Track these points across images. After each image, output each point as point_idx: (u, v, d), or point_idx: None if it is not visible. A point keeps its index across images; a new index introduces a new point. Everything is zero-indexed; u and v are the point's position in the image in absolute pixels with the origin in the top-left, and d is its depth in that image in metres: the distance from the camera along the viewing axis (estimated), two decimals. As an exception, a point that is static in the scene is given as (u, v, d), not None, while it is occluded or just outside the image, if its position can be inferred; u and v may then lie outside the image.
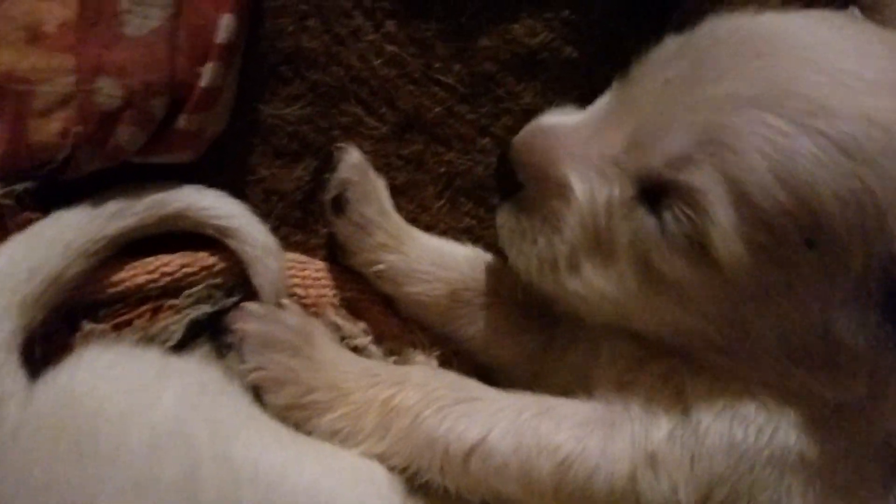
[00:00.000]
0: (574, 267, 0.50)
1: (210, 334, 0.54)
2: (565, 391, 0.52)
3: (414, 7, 0.58)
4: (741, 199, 0.44)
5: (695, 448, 0.48)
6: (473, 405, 0.50)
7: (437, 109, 0.58)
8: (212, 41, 0.53)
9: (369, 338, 0.57)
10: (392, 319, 0.57)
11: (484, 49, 0.59)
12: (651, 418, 0.48)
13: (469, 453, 0.49)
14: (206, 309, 0.54)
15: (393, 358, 0.56)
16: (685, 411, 0.48)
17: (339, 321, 0.56)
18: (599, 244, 0.49)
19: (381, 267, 0.56)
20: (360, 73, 0.58)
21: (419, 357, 0.55)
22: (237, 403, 0.49)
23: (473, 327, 0.57)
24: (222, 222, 0.55)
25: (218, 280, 0.55)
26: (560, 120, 0.51)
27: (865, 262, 0.44)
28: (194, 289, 0.54)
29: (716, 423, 0.48)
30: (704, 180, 0.45)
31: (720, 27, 0.49)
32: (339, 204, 0.56)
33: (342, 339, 0.56)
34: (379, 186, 0.57)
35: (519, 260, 0.52)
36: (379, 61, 0.58)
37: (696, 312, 0.47)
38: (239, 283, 0.55)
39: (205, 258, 0.55)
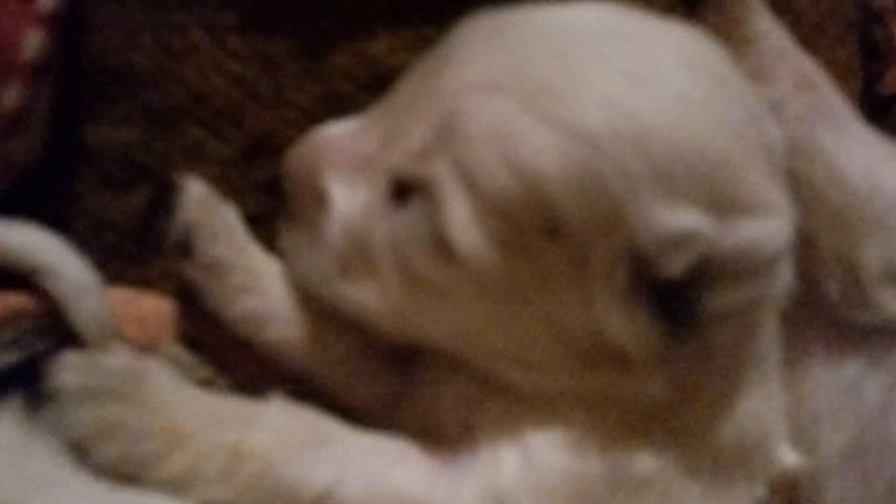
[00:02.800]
0: (345, 277, 0.48)
1: (20, 384, 0.48)
2: (421, 430, 0.49)
3: (259, 22, 0.54)
4: (474, 188, 0.43)
5: (540, 486, 0.45)
6: (328, 447, 0.47)
7: (289, 131, 0.54)
8: (15, 59, 0.48)
9: (213, 372, 0.52)
10: (243, 352, 0.52)
11: (340, 68, 0.55)
12: (495, 460, 0.46)
13: (319, 499, 0.45)
14: (12, 357, 0.48)
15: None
16: (525, 448, 0.46)
17: (178, 353, 0.52)
18: (363, 251, 0.47)
19: (237, 312, 0.52)
20: (200, 92, 0.54)
21: (276, 395, 0.50)
22: (35, 468, 0.43)
23: (332, 370, 0.53)
24: (31, 259, 0.49)
25: (30, 323, 0.49)
26: (330, 128, 0.50)
27: (611, 256, 0.42)
28: (1, 334, 0.49)
29: (553, 456, 0.45)
30: (438, 171, 0.43)
31: (475, 22, 0.47)
32: (185, 247, 0.51)
33: (186, 374, 0.51)
34: (229, 220, 0.53)
35: (297, 274, 0.50)
36: (222, 79, 0.54)
37: (466, 315, 0.46)
38: (53, 324, 0.49)
39: (13, 298, 0.50)
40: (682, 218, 0.42)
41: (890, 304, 0.54)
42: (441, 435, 0.49)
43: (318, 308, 0.52)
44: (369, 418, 0.51)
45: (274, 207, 0.53)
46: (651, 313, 0.43)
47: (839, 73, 0.70)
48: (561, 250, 0.43)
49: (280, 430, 0.47)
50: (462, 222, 0.43)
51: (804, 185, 0.53)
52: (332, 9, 0.55)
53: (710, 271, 0.43)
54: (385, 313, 0.48)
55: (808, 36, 0.66)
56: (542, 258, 0.43)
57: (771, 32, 0.57)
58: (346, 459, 0.46)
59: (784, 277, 0.48)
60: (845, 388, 0.56)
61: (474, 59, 0.45)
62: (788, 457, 0.52)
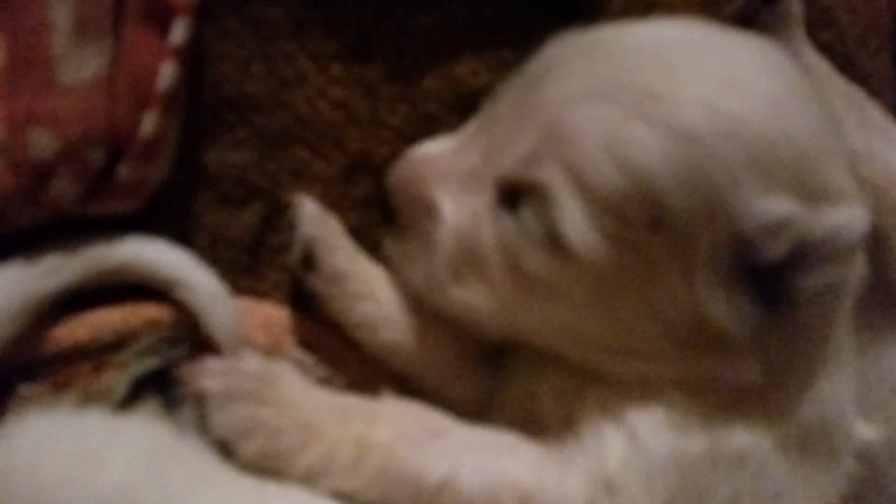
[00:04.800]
0: (456, 281, 0.52)
1: (158, 389, 0.51)
2: (521, 423, 0.52)
3: (358, 50, 0.58)
4: (584, 188, 0.46)
5: (647, 467, 0.48)
6: (443, 440, 0.50)
7: (384, 151, 0.57)
8: (152, 89, 0.52)
9: (331, 371, 0.55)
10: (355, 354, 0.56)
11: (428, 90, 0.59)
12: (600, 445, 0.49)
13: (439, 489, 0.48)
14: (152, 363, 0.52)
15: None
16: (628, 430, 0.49)
17: (300, 355, 0.55)
18: (473, 255, 0.51)
19: (355, 317, 0.56)
20: (305, 117, 0.57)
21: (388, 391, 0.53)
22: (190, 464, 0.47)
23: (436, 369, 0.57)
24: (167, 273, 0.53)
25: (164, 333, 0.53)
26: (428, 146, 0.54)
27: (714, 243, 0.46)
28: (139, 343, 0.52)
29: (657, 436, 0.48)
30: (549, 174, 0.47)
31: (565, 41, 0.51)
32: (309, 259, 0.55)
33: (307, 375, 0.54)
34: (341, 233, 0.57)
35: (410, 282, 0.54)
36: (325, 104, 0.57)
37: (574, 309, 0.49)
38: (185, 334, 0.53)
39: (149, 310, 0.53)
40: (778, 205, 0.46)
41: None
42: (542, 427, 0.52)
43: (424, 312, 0.55)
44: (468, 415, 0.54)
45: (372, 221, 0.57)
46: (751, 296, 0.47)
47: (879, 84, 0.74)
48: (667, 241, 0.47)
49: (399, 424, 0.50)
50: (575, 220, 0.47)
51: (868, 188, 0.58)
52: (421, 35, 0.59)
53: (805, 254, 0.47)
54: (494, 313, 0.51)
55: (852, 50, 0.71)
56: (649, 250, 0.47)
57: (818, 62, 0.63)
58: (460, 451, 0.50)
59: (861, 265, 0.52)
60: None
61: (573, 72, 0.49)
62: (866, 432, 0.55)
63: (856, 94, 0.63)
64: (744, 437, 0.49)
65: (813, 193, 0.47)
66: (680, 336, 0.48)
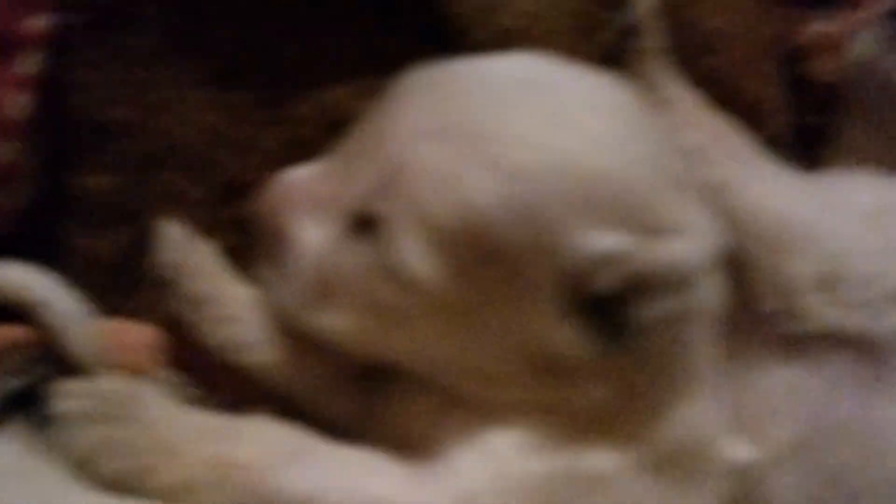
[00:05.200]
0: (314, 305, 0.53)
1: (24, 408, 0.52)
2: (394, 443, 0.53)
3: (226, 76, 0.59)
4: (422, 223, 0.48)
5: (507, 488, 0.49)
6: (308, 460, 0.50)
7: (256, 174, 0.58)
8: (3, 118, 0.53)
9: (202, 391, 0.56)
10: (230, 374, 0.56)
11: (302, 115, 0.61)
12: (464, 467, 0.50)
13: None
14: (18, 383, 0.52)
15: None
16: (490, 452, 0.50)
17: (168, 375, 0.56)
18: (331, 282, 0.52)
19: (219, 339, 0.56)
20: (175, 141, 0.59)
21: (255, 410, 0.53)
22: (48, 486, 0.47)
23: (309, 389, 0.57)
24: (26, 294, 0.54)
25: (29, 352, 0.53)
26: (291, 173, 0.55)
27: (549, 277, 0.48)
28: (4, 363, 0.53)
29: (516, 457, 0.49)
30: (390, 209, 0.49)
31: (416, 74, 0.53)
32: (169, 284, 0.56)
33: (177, 396, 0.55)
34: (207, 256, 0.58)
35: (271, 305, 0.55)
36: (194, 129, 0.59)
37: (427, 336, 0.50)
38: (50, 354, 0.53)
39: (15, 331, 0.54)
40: (607, 239, 0.47)
41: (822, 311, 0.59)
42: (412, 447, 0.52)
43: (293, 333, 0.56)
44: (345, 434, 0.54)
45: (246, 242, 0.58)
46: (589, 326, 0.48)
47: (770, 109, 0.75)
48: (504, 275, 0.48)
49: (265, 443, 0.50)
50: (414, 253, 0.48)
51: (733, 216, 0.59)
52: (294, 62, 0.60)
53: (637, 286, 0.48)
54: (352, 338, 0.52)
55: (738, 76, 0.72)
56: (488, 283, 0.48)
57: (686, 95, 0.64)
58: (327, 470, 0.50)
59: (711, 292, 0.53)
60: (789, 389, 0.60)
61: (417, 108, 0.51)
62: (739, 452, 0.56)
63: (725, 125, 0.64)
64: (601, 459, 0.50)
65: (646, 226, 0.48)
66: (529, 363, 0.49)
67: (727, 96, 0.72)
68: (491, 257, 0.48)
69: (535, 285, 0.48)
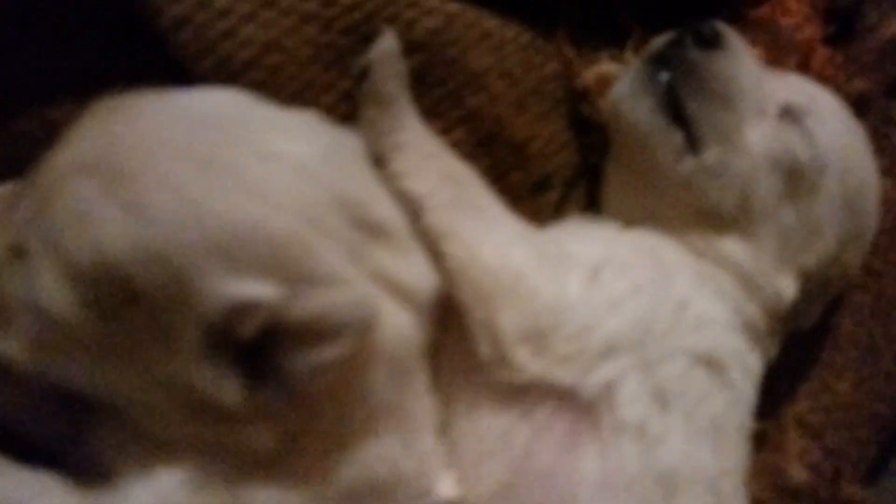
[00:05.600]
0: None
1: None
2: (91, 468, 0.53)
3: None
4: (61, 259, 0.48)
5: None
6: None
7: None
8: None
9: None
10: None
11: (22, 132, 0.59)
12: (128, 496, 0.50)
13: None
14: None
15: None
16: (155, 486, 0.50)
17: None
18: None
19: None
20: None
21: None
22: None
23: (7, 411, 0.56)
24: None
25: None
26: None
27: (190, 323, 0.48)
28: None
29: (179, 493, 0.50)
30: (33, 240, 0.49)
31: (99, 103, 0.52)
32: None
33: None
34: None
35: None
36: None
37: (82, 369, 0.50)
38: None
39: None
40: (246, 288, 0.47)
41: (525, 362, 0.60)
42: (102, 472, 0.52)
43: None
44: (51, 454, 0.55)
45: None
46: (233, 371, 0.49)
47: (546, 146, 0.76)
48: (144, 317, 0.48)
49: None
50: (51, 288, 0.48)
51: (449, 263, 0.60)
52: (17, 76, 0.59)
53: (283, 334, 0.48)
54: (24, 362, 0.52)
55: (506, 115, 0.73)
56: (129, 322, 0.48)
57: (419, 140, 0.64)
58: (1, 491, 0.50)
59: (395, 338, 0.54)
60: (499, 435, 0.61)
61: (79, 138, 0.51)
62: (444, 490, 0.58)
63: (460, 171, 0.64)
64: (273, 495, 0.51)
65: (294, 277, 0.48)
66: (186, 403, 0.50)
67: (493, 136, 0.72)
68: (128, 299, 0.48)
69: (176, 330, 0.48)
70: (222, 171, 0.49)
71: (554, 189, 0.76)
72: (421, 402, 0.59)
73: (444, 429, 0.63)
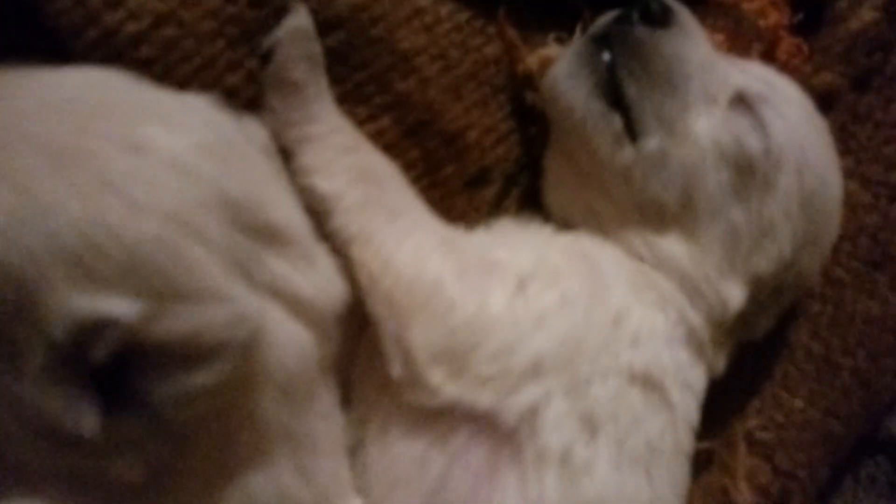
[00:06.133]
0: None
1: None
2: None
3: None
4: None
5: None
6: None
7: None
8: None
9: None
10: None
11: None
12: None
13: None
14: None
15: None
16: None
17: None
18: None
19: None
20: None
21: None
22: None
23: None
24: None
25: None
26: None
27: (36, 342, 0.41)
28: None
29: None
30: None
31: None
32: None
33: None
34: None
35: None
36: None
37: None
38: None
39: None
40: (98, 304, 0.41)
41: (440, 384, 0.54)
42: None
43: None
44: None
45: None
46: (89, 398, 0.42)
47: (484, 136, 0.69)
48: None
49: None
50: None
51: (360, 271, 0.54)
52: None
53: (145, 357, 0.42)
54: None
55: (438, 101, 0.66)
56: None
57: (331, 132, 0.57)
58: None
59: (286, 358, 0.48)
60: (412, 461, 0.56)
61: None
62: None
63: (377, 168, 0.58)
64: None
65: (160, 292, 0.42)
66: (38, 430, 0.44)
67: (423, 124, 0.66)
68: None
69: (21, 347, 0.42)
70: (77, 165, 0.42)
71: (492, 184, 0.70)
72: (323, 422, 0.53)
73: (357, 451, 0.57)
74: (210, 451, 0.47)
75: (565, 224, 0.66)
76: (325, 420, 0.53)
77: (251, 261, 0.46)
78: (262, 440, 0.49)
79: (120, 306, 0.41)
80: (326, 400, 0.54)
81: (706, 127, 0.61)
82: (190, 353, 0.43)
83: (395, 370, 0.55)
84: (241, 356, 0.44)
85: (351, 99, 0.62)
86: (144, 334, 0.42)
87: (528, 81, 0.70)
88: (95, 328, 0.41)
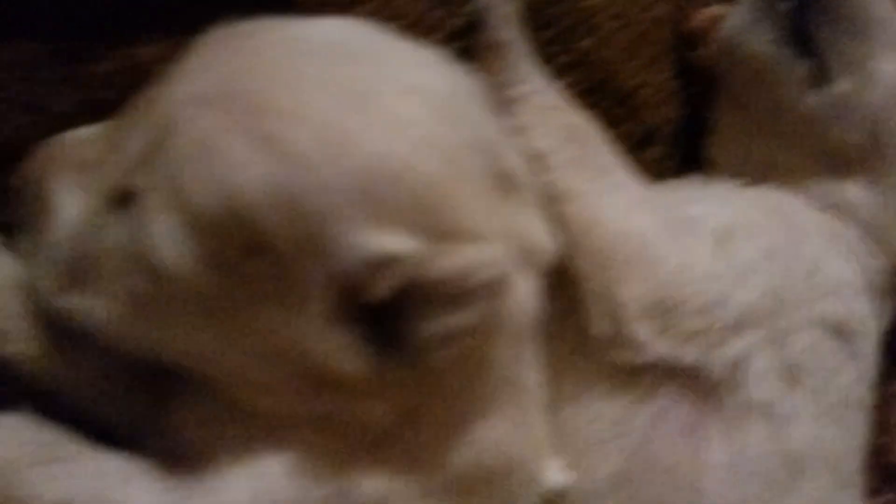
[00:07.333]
0: (73, 286, 0.47)
1: None
2: (170, 450, 0.48)
3: (13, 27, 0.52)
4: (181, 203, 0.42)
5: None
6: (61, 464, 0.46)
7: (43, 138, 0.51)
8: None
9: None
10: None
11: (102, 74, 0.54)
12: (226, 483, 0.46)
13: None
14: None
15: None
16: (256, 472, 0.46)
17: None
18: (89, 259, 0.46)
19: None
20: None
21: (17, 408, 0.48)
22: None
23: (76, 386, 0.52)
24: None
25: None
26: (68, 135, 0.49)
27: (318, 277, 0.42)
28: None
29: (282, 481, 0.45)
30: (148, 182, 0.43)
31: (215, 32, 0.46)
32: None
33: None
34: None
35: (32, 281, 0.49)
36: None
37: (186, 332, 0.45)
38: None
39: None
40: (386, 241, 0.42)
41: (648, 340, 0.55)
42: (189, 457, 0.48)
43: (59, 323, 0.50)
44: (123, 436, 0.50)
45: (14, 214, 0.52)
46: (361, 337, 0.43)
47: (655, 97, 0.70)
48: (267, 270, 0.42)
49: (16, 445, 0.46)
50: (166, 237, 0.42)
51: (567, 228, 0.54)
52: (99, 15, 0.53)
53: (420, 296, 0.42)
54: (113, 326, 0.47)
55: (616, 59, 0.67)
56: (248, 277, 0.43)
57: (539, 92, 0.58)
58: (78, 476, 0.46)
59: (524, 306, 0.48)
60: (614, 421, 0.57)
61: (198, 70, 0.44)
62: (557, 478, 0.53)
63: (582, 128, 0.59)
64: (379, 484, 0.46)
65: (435, 230, 0.42)
66: (299, 371, 0.44)
67: (602, 83, 0.67)
68: (253, 248, 0.42)
69: (303, 286, 0.42)
70: (365, 105, 0.43)
71: (657, 144, 0.71)
72: (535, 379, 0.54)
73: (551, 411, 0.58)
74: (448, 397, 0.48)
75: (737, 181, 0.66)
76: (535, 377, 0.54)
77: (496, 205, 0.46)
78: (492, 389, 0.49)
79: (404, 243, 0.42)
80: (536, 356, 0.55)
81: (894, 69, 0.61)
82: (456, 293, 0.43)
83: (601, 327, 0.56)
84: (497, 298, 0.45)
85: (537, 58, 0.62)
86: (422, 272, 0.42)
87: (693, 40, 0.70)
88: (381, 265, 0.42)
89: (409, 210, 0.42)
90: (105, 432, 0.50)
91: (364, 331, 0.43)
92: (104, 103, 0.53)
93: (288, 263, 0.42)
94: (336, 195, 0.41)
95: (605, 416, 0.57)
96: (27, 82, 0.53)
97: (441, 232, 0.43)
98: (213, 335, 0.45)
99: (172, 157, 0.42)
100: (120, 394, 0.52)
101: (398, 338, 0.44)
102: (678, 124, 0.72)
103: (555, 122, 0.57)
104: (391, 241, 0.42)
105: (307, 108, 0.42)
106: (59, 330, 0.50)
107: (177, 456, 0.48)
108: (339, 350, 0.43)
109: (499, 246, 0.45)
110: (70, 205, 0.47)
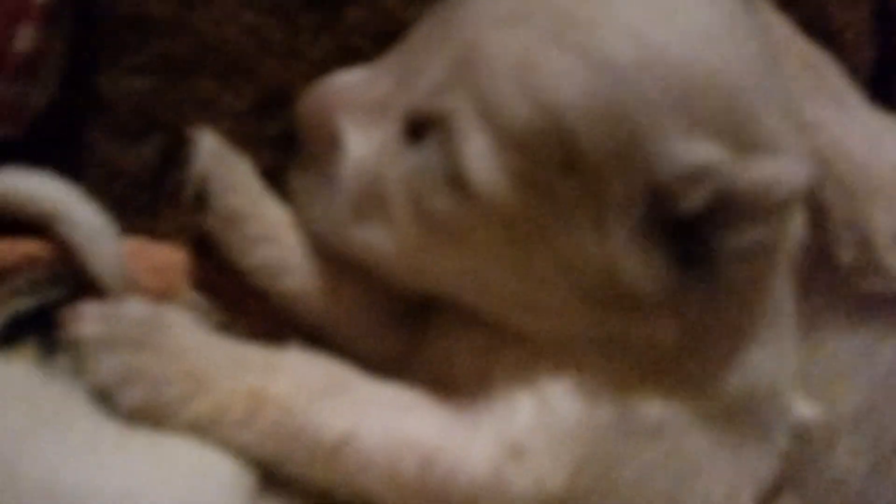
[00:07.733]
0: (358, 220, 0.48)
1: (38, 332, 0.47)
2: (436, 381, 0.49)
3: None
4: (492, 120, 0.42)
5: (555, 435, 0.45)
6: (345, 396, 0.47)
7: (301, 85, 0.52)
8: (27, 1, 0.47)
9: (230, 317, 0.52)
10: (259, 300, 0.52)
11: (354, 21, 0.54)
12: (510, 408, 0.46)
13: (338, 446, 0.45)
14: (28, 303, 0.48)
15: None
16: (539, 395, 0.46)
17: (196, 300, 0.52)
18: (377, 192, 0.47)
19: (253, 261, 0.52)
20: (213, 43, 0.53)
21: (293, 341, 0.49)
22: (51, 407, 0.43)
23: (346, 321, 0.53)
24: (46, 206, 0.49)
25: (42, 271, 0.49)
26: (343, 75, 0.50)
27: (629, 189, 0.42)
28: (14, 281, 0.48)
29: (567, 403, 0.45)
30: (456, 104, 0.43)
31: None
32: (201, 198, 0.51)
33: (203, 320, 0.51)
34: (244, 171, 0.52)
35: (309, 220, 0.50)
36: (235, 30, 0.53)
37: (481, 257, 0.45)
38: (66, 274, 0.49)
39: (27, 246, 0.49)
40: (701, 151, 0.42)
41: None
42: (456, 385, 0.48)
43: (333, 258, 0.51)
44: (383, 369, 0.50)
45: (287, 161, 0.53)
46: (668, 251, 0.43)
47: (855, 38, 0.69)
48: (579, 185, 0.42)
49: (299, 377, 0.47)
50: (479, 156, 0.43)
51: (815, 157, 0.54)
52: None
53: (726, 208, 0.42)
54: (398, 257, 0.48)
55: (822, 1, 0.66)
56: (559, 193, 0.43)
57: (776, 24, 0.58)
58: (362, 408, 0.46)
59: (797, 227, 0.48)
60: (859, 352, 0.56)
61: None
62: (805, 410, 0.52)
63: (817, 58, 0.58)
64: (659, 408, 0.46)
65: (743, 142, 0.42)
66: (592, 292, 0.45)
67: (810, 21, 0.66)
68: (568, 163, 0.42)
69: (615, 199, 0.42)
70: (679, 17, 0.43)
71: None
72: (791, 308, 0.53)
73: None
74: (731, 319, 0.47)
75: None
76: (791, 306, 0.54)
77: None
78: (765, 316, 0.49)
79: (717, 153, 0.42)
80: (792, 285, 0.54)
81: None
82: (762, 206, 0.43)
83: (847, 256, 0.55)
84: (789, 213, 0.45)
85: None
86: (731, 184, 0.42)
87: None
88: (696, 175, 0.42)
89: (719, 120, 0.42)
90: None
91: (668, 246, 0.43)
92: (353, 50, 0.54)
93: (602, 178, 0.42)
94: (655, 105, 0.41)
95: (849, 348, 0.56)
96: (287, 28, 0.53)
97: (745, 143, 0.43)
98: (509, 257, 0.45)
99: (485, 77, 0.43)
100: (385, 326, 0.53)
101: (699, 253, 0.43)
102: (871, 62, 0.71)
103: (797, 49, 0.56)
104: (703, 152, 0.42)
105: (617, 19, 0.42)
106: (335, 267, 0.51)
107: (440, 386, 0.49)
108: (642, 266, 0.43)
109: (798, 160, 0.44)
110: (359, 140, 0.47)
